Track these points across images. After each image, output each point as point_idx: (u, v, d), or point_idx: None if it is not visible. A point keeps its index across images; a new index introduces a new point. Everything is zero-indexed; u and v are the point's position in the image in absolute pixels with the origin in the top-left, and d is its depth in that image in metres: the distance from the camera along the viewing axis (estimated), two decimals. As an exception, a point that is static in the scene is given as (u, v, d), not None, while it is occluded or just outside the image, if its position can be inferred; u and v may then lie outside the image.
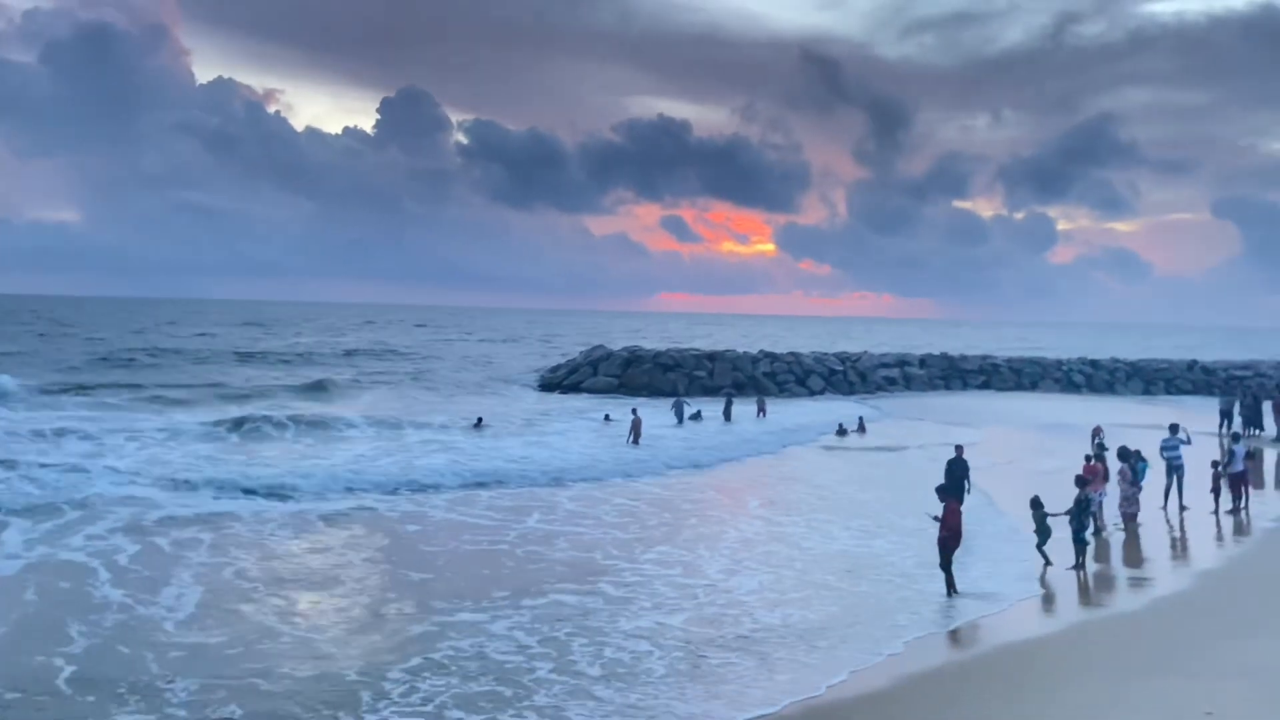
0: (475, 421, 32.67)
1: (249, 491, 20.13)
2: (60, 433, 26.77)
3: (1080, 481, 16.49)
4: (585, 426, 33.79)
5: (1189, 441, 20.98)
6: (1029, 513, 16.22)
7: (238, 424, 29.68)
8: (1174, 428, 21.36)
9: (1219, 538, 18.50)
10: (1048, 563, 15.72)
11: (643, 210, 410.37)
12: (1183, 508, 20.31)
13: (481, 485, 22.25)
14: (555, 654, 11.42)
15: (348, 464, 24.00)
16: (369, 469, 23.44)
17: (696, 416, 36.31)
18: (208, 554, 15.65)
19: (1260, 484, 24.14)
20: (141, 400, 36.87)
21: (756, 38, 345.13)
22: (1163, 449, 20.87)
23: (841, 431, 34.12)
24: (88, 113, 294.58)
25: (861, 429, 34.84)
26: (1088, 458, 19.60)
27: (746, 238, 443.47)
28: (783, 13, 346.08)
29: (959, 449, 19.87)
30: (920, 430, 35.65)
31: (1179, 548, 17.97)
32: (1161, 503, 20.40)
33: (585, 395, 46.92)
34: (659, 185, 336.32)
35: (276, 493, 20.26)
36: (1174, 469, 20.62)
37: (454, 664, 11.02)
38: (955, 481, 18.34)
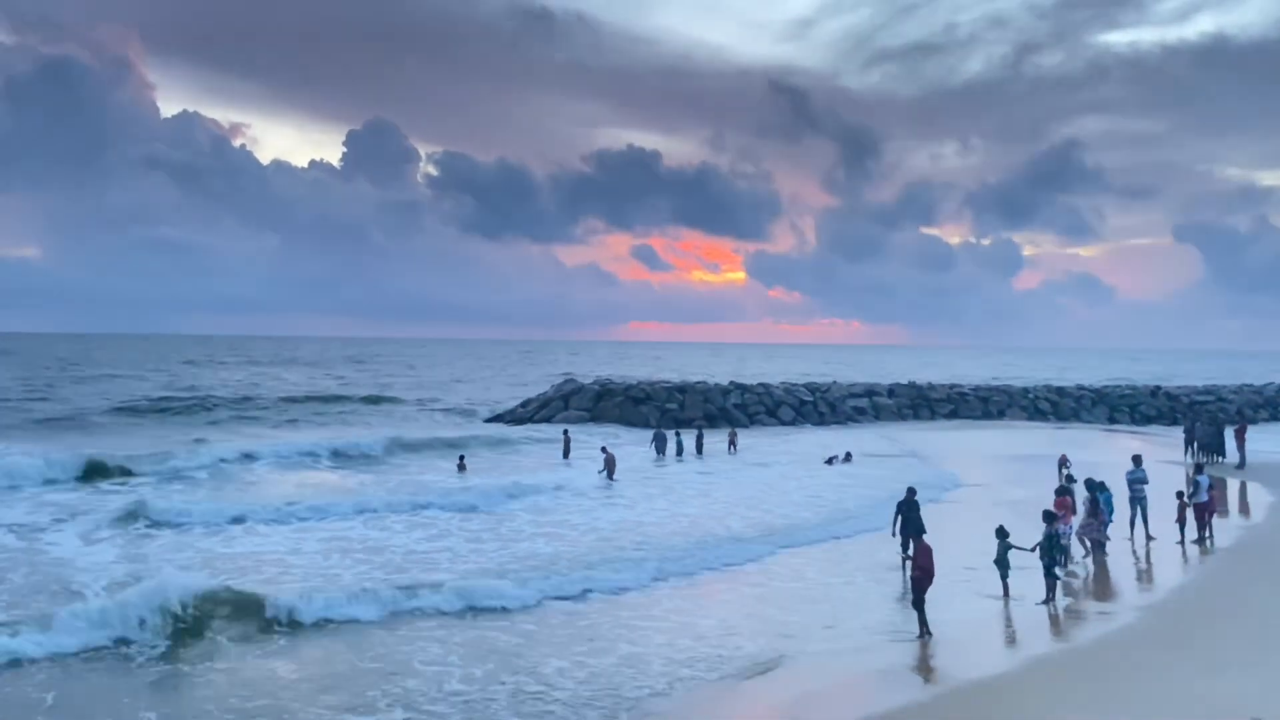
0: (458, 462, 32.17)
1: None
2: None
3: (1049, 516, 16.58)
4: (564, 466, 33.57)
5: (1147, 481, 21.19)
6: (996, 544, 16.33)
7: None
8: (1137, 459, 21.60)
9: (1185, 570, 18.66)
10: (1006, 595, 15.90)
11: (613, 240, 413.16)
12: (1149, 538, 20.53)
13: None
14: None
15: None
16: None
17: (679, 450, 36.62)
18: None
19: (1225, 513, 24.43)
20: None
21: (723, 70, 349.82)
22: (1128, 480, 21.11)
23: (829, 462, 34.66)
24: (51, 148, 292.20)
25: (848, 459, 35.24)
26: (1058, 491, 19.74)
27: (717, 266, 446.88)
28: (747, 45, 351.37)
29: (911, 491, 19.21)
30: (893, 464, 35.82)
31: (1147, 580, 18.10)
32: (1128, 534, 20.61)
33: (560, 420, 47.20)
34: (629, 215, 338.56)
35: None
36: (1137, 500, 20.84)
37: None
38: (907, 522, 18.33)
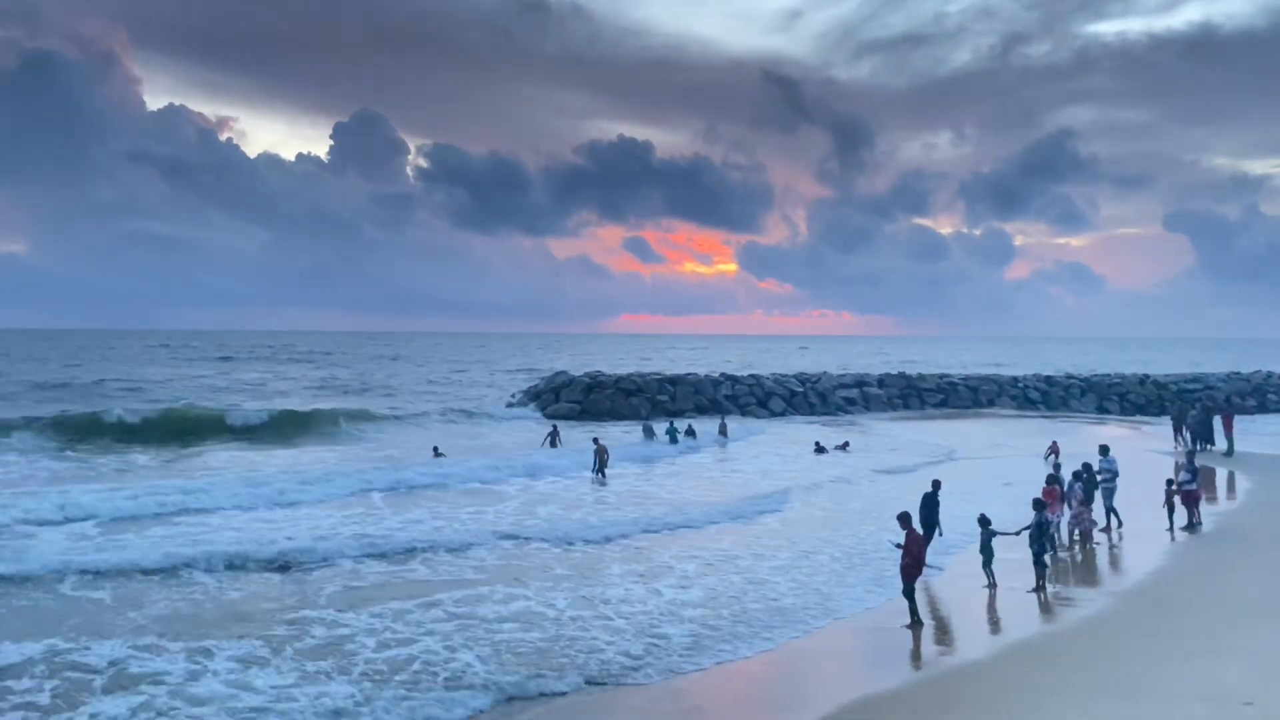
0: (434, 451, 32.00)
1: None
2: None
3: (1038, 504, 16.65)
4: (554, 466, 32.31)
5: (1116, 472, 21.15)
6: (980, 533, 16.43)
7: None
8: (1104, 449, 21.58)
9: (1174, 556, 18.75)
10: (992, 584, 15.96)
11: (605, 232, 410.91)
12: (1108, 527, 20.51)
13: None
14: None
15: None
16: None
17: (672, 435, 36.28)
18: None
19: (1214, 499, 24.56)
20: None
21: (714, 61, 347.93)
22: (1096, 470, 21.04)
23: (819, 450, 34.76)
24: (36, 142, 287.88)
25: (844, 448, 35.39)
26: (1048, 479, 19.82)
27: (709, 258, 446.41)
28: (736, 37, 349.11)
29: (936, 484, 18.87)
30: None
31: (1135, 567, 18.14)
32: (1103, 524, 20.55)
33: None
34: (622, 207, 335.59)
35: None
36: (1106, 490, 20.76)
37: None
38: (926, 515, 18.00)
